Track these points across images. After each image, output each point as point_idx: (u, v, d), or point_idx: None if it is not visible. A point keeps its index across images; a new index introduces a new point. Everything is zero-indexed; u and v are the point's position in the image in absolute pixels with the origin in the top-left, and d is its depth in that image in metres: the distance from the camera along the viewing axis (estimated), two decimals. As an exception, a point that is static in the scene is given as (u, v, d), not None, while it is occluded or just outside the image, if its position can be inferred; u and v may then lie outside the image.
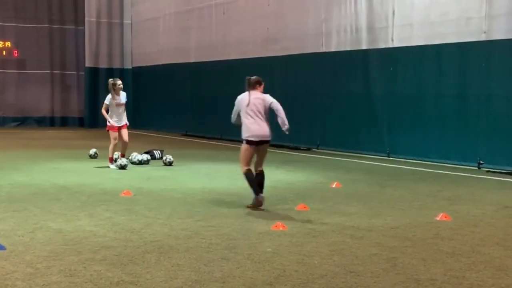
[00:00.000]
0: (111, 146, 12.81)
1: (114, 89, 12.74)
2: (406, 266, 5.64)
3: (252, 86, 8.64)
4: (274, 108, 8.62)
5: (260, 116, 8.48)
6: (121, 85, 12.89)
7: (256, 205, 8.25)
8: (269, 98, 8.67)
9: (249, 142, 8.40)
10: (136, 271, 5.34)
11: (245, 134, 8.43)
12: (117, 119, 12.80)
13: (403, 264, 5.68)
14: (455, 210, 8.42)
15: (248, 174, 8.39)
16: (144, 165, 13.28)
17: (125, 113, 13.00)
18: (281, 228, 7.03)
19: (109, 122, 12.80)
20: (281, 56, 18.72)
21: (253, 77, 8.76)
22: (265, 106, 8.57)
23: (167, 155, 13.45)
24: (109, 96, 12.85)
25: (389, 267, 5.58)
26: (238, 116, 8.64)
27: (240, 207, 8.47)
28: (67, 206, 8.39)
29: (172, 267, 5.48)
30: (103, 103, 12.98)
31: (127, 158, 13.11)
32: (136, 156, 13.58)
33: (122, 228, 7.03)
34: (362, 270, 5.48)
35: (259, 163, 8.53)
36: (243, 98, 8.63)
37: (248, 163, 8.41)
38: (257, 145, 8.40)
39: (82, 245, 6.22)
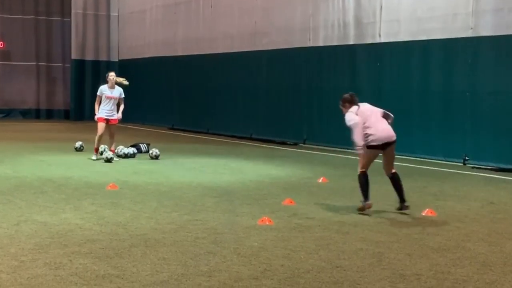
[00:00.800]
0: (96, 137, 12.75)
1: (107, 80, 12.78)
2: (392, 261, 5.65)
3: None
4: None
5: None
6: (113, 77, 12.74)
7: (366, 207, 7.95)
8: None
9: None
10: (122, 264, 5.32)
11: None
12: (106, 110, 12.68)
13: (389, 259, 5.70)
14: (440, 206, 8.45)
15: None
16: (130, 159, 13.19)
17: (120, 107, 12.85)
18: (267, 223, 7.02)
19: (96, 113, 12.74)
20: (268, 50, 18.69)
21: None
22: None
23: (153, 149, 13.39)
24: (101, 88, 12.76)
25: (375, 262, 5.59)
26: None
27: (226, 201, 8.44)
28: (52, 199, 8.33)
29: (158, 260, 5.46)
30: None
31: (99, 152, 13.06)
32: (122, 149, 13.48)
33: (108, 221, 7.00)
34: (348, 264, 5.49)
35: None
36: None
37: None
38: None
39: (67, 238, 6.18)
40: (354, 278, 5.11)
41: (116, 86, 12.80)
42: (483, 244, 6.40)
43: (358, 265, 5.47)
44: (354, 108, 8.12)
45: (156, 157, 13.01)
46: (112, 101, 12.72)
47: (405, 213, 7.90)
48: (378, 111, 8.31)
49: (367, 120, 8.00)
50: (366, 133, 7.97)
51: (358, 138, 7.92)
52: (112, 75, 12.80)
